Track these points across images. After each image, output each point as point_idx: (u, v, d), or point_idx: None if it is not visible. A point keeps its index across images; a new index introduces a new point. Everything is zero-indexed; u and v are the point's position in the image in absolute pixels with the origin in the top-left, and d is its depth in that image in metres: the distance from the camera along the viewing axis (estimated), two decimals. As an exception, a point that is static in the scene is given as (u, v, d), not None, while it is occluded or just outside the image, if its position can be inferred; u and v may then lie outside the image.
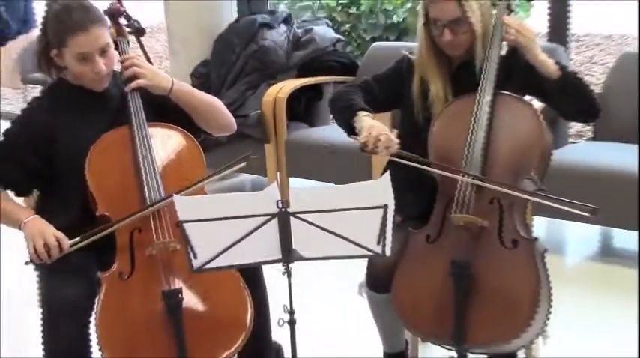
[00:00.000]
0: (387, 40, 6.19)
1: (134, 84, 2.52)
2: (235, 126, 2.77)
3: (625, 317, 3.34)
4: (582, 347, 3.11)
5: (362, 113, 2.53)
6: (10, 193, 2.54)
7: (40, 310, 2.43)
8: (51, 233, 2.33)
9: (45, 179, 2.54)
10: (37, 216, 2.40)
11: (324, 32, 5.03)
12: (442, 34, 2.54)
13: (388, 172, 2.09)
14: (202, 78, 4.90)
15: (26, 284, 2.53)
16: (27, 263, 2.34)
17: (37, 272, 2.55)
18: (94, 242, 2.37)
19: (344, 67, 4.93)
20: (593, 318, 3.32)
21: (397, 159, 2.44)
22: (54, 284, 2.42)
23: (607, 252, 4.11)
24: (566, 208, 2.34)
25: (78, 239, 2.34)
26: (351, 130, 2.54)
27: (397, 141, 2.43)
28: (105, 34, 2.48)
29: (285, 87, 4.64)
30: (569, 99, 2.57)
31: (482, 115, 2.49)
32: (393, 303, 2.52)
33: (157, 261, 2.39)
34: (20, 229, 2.38)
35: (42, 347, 2.42)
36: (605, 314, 3.39)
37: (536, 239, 2.49)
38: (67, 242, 2.33)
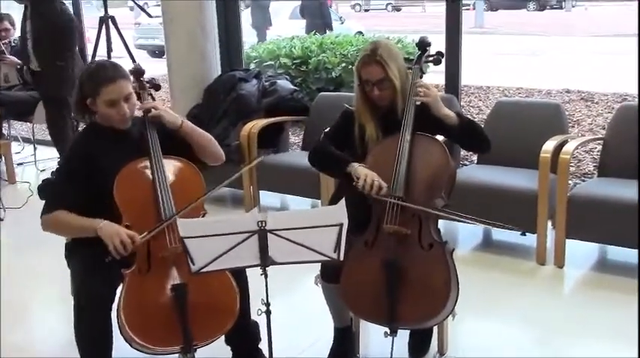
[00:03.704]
0: (328, 90, 6.06)
1: (156, 112, 2.38)
2: (224, 157, 2.59)
3: (502, 291, 3.29)
4: (472, 314, 3.03)
5: (354, 164, 2.40)
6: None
7: (72, 300, 2.23)
8: (124, 232, 2.15)
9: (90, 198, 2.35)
10: (107, 221, 2.20)
11: (285, 84, 4.87)
12: (372, 90, 2.44)
13: (344, 199, 1.94)
14: (195, 117, 4.69)
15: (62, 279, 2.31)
16: (108, 260, 2.14)
17: (69, 270, 2.34)
18: None
19: (299, 109, 4.77)
20: (479, 293, 3.21)
21: (376, 197, 2.33)
22: (83, 280, 2.24)
23: (488, 244, 4.01)
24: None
25: (145, 233, 2.18)
26: (344, 175, 2.42)
27: (385, 185, 2.32)
28: (128, 86, 2.33)
29: (256, 124, 4.47)
30: (467, 138, 2.51)
31: (404, 150, 2.38)
32: (340, 292, 2.38)
33: (168, 261, 2.21)
34: (96, 234, 2.18)
35: (74, 329, 2.22)
36: (488, 289, 3.30)
37: (446, 242, 2.38)
38: (138, 237, 2.15)
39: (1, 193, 4.69)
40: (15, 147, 6.18)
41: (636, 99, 5.86)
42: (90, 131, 2.44)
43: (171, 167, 2.38)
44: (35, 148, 5.97)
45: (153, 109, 2.39)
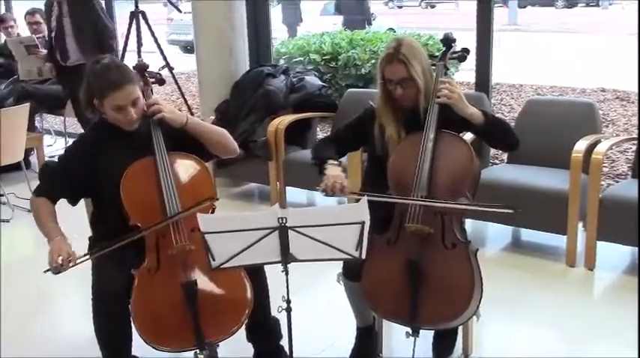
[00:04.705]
0: (357, 86, 6.03)
1: (159, 115, 2.33)
2: (238, 150, 2.55)
3: (530, 292, 3.22)
4: (499, 315, 2.98)
5: (330, 162, 2.40)
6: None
7: (91, 296, 2.26)
8: (65, 250, 2.15)
9: (91, 194, 2.40)
10: (61, 237, 2.22)
11: (313, 80, 4.85)
12: (395, 89, 2.40)
13: (366, 197, 1.92)
14: (223, 113, 4.71)
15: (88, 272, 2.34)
16: (45, 271, 2.16)
17: (91, 267, 2.35)
18: (133, 243, 2.19)
19: (327, 106, 4.74)
20: (507, 294, 3.16)
21: (351, 196, 2.35)
22: (101, 277, 2.25)
23: (517, 245, 3.94)
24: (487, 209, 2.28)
25: (83, 255, 2.17)
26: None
27: (346, 185, 2.31)
28: (136, 90, 2.28)
29: (284, 120, 4.46)
30: (494, 137, 2.46)
31: (428, 149, 2.34)
32: (362, 290, 2.36)
33: (176, 259, 2.20)
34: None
35: (93, 323, 2.25)
36: (516, 291, 3.24)
37: (470, 241, 2.33)
38: (75, 258, 2.14)
39: (32, 186, 4.75)
40: (47, 139, 6.28)
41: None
42: (98, 128, 2.43)
43: (178, 164, 2.36)
44: (67, 141, 6.04)
45: (156, 112, 2.34)
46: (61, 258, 2.13)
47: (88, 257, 2.19)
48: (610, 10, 22.04)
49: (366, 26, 10.76)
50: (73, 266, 2.15)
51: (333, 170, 2.37)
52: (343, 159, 3.08)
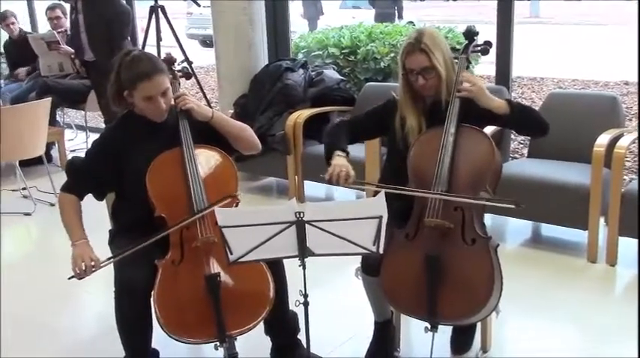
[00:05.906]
0: (377, 80, 5.98)
1: (188, 106, 2.37)
2: (260, 147, 2.57)
3: (550, 289, 3.19)
4: (518, 311, 2.95)
5: (337, 153, 2.40)
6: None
7: (113, 288, 2.26)
8: (88, 256, 2.17)
9: (115, 187, 2.41)
10: (84, 240, 2.24)
11: (332, 74, 4.85)
12: (417, 80, 2.38)
13: (383, 191, 1.91)
14: (241, 107, 4.73)
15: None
16: (70, 278, 2.17)
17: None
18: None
19: (345, 100, 4.74)
20: (526, 290, 3.13)
21: (352, 187, 2.35)
22: (123, 270, 2.25)
23: (537, 240, 3.90)
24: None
25: (106, 259, 2.18)
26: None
27: (353, 174, 2.32)
28: (165, 81, 2.30)
29: (302, 114, 4.47)
30: (522, 125, 2.45)
31: (448, 143, 2.32)
32: (381, 285, 2.35)
33: (200, 251, 2.21)
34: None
35: (115, 315, 2.26)
36: (535, 287, 3.21)
37: (490, 237, 2.31)
38: (98, 263, 2.16)
39: (54, 179, 4.81)
40: (68, 134, 6.34)
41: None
42: (125, 120, 2.44)
43: (203, 157, 2.37)
44: (88, 136, 6.10)
45: (185, 104, 2.37)
46: (84, 263, 2.15)
47: (114, 259, 2.20)
48: (634, 1, 21.71)
49: (397, 20, 10.80)
50: (95, 270, 2.17)
51: (339, 160, 2.38)
52: (360, 154, 3.04)
